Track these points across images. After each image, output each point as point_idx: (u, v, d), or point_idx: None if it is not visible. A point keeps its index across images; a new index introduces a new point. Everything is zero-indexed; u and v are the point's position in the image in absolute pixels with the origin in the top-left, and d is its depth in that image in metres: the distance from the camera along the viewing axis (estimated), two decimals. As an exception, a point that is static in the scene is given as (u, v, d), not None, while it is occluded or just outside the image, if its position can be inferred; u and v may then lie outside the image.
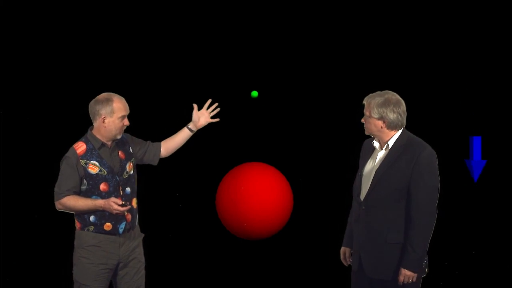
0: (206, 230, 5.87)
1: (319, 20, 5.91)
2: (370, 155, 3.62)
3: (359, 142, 3.79)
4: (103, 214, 3.69)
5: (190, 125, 4.03)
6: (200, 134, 4.17)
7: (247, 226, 5.27)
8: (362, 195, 3.54)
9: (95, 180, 3.70)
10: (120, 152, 3.81)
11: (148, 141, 4.01)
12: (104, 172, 3.71)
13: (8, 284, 5.36)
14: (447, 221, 4.86)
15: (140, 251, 3.92)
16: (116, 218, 3.73)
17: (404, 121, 3.50)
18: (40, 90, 5.68)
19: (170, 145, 4.04)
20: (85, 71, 5.71)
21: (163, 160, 4.10)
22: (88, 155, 3.71)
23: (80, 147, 3.72)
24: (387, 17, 5.81)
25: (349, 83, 5.78)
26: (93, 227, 3.73)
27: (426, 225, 3.39)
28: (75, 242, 3.80)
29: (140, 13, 5.79)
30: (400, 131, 3.51)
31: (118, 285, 3.89)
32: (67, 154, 3.71)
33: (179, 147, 4.07)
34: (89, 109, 3.73)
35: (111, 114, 3.68)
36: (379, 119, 3.45)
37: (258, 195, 5.26)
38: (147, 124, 5.28)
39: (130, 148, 3.89)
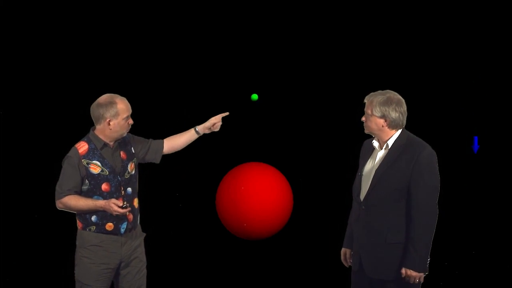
0: (206, 230, 5.87)
1: (319, 20, 5.90)
2: (370, 155, 3.62)
3: (359, 142, 3.79)
4: (104, 214, 3.70)
5: (199, 128, 4.03)
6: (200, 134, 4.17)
7: (247, 226, 5.27)
8: (362, 195, 3.54)
9: (96, 180, 3.70)
10: (122, 152, 3.81)
11: (150, 139, 4.01)
12: (106, 172, 3.71)
13: (8, 284, 5.36)
14: (447, 221, 4.85)
15: (141, 250, 3.93)
16: (118, 218, 3.73)
17: (405, 121, 3.51)
18: (40, 90, 5.68)
19: (174, 143, 4.04)
20: (85, 71, 5.71)
21: (163, 160, 4.11)
22: (90, 155, 3.71)
23: (82, 147, 3.72)
24: (387, 17, 5.81)
25: (349, 83, 5.78)
26: (94, 227, 3.74)
27: (427, 225, 3.39)
28: (77, 242, 3.81)
29: (141, 13, 5.79)
30: (400, 130, 3.51)
31: (120, 284, 3.90)
32: (69, 154, 3.72)
33: (182, 147, 4.08)
34: (92, 112, 3.73)
35: (116, 117, 3.68)
36: (381, 117, 3.46)
37: (258, 195, 5.26)
38: (147, 124, 5.28)
39: (132, 148, 3.89)
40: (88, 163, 3.70)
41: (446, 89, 5.82)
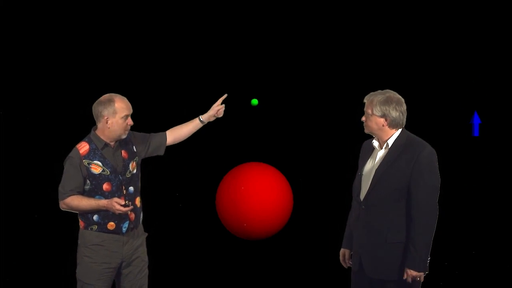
0: (206, 230, 5.87)
1: (318, 20, 5.90)
2: (370, 155, 3.62)
3: (359, 142, 3.79)
4: (106, 214, 3.71)
5: (203, 117, 4.07)
6: (200, 134, 4.18)
7: (247, 226, 5.28)
8: (362, 195, 3.54)
9: (98, 180, 3.71)
10: (123, 152, 3.82)
11: (151, 134, 4.01)
12: (107, 172, 3.72)
13: (8, 284, 5.36)
14: (447, 221, 4.85)
15: (143, 250, 3.94)
16: (120, 217, 3.74)
17: (404, 121, 3.52)
18: (40, 90, 5.68)
19: (179, 133, 4.08)
20: (86, 71, 5.71)
21: (163, 160, 4.11)
22: (91, 155, 3.72)
23: (83, 147, 3.73)
24: (387, 17, 5.81)
25: (349, 83, 5.78)
26: (96, 226, 3.75)
27: (427, 224, 3.39)
28: (79, 241, 3.82)
29: (142, 13, 5.79)
30: (400, 130, 3.52)
31: (121, 284, 3.90)
32: (70, 154, 3.73)
33: (187, 137, 4.12)
34: (92, 111, 3.75)
35: (113, 115, 3.69)
36: (381, 116, 3.46)
37: (258, 195, 5.26)
38: (148, 124, 5.28)
39: (134, 147, 3.90)
40: (89, 163, 3.71)
41: (446, 89, 5.82)
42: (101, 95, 3.76)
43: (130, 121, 3.75)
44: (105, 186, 3.72)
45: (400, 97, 3.51)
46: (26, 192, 5.63)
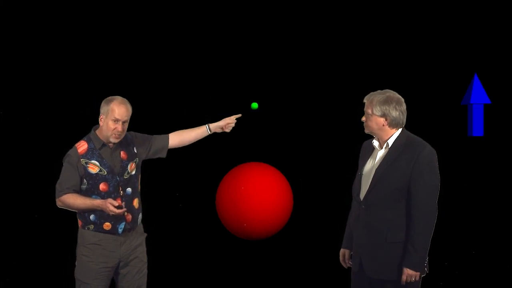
0: (206, 230, 5.86)
1: (318, 20, 5.90)
2: (370, 155, 3.62)
3: (359, 142, 3.79)
4: (102, 214, 3.71)
5: (211, 126, 4.06)
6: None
7: (247, 226, 5.27)
8: (362, 195, 3.54)
9: (94, 179, 3.72)
10: (122, 152, 3.81)
11: (153, 136, 4.01)
12: (104, 172, 3.72)
13: (8, 284, 5.36)
14: (447, 221, 4.85)
15: (142, 250, 3.93)
16: (116, 218, 3.74)
17: (404, 120, 3.52)
18: (40, 90, 5.68)
19: (183, 138, 4.06)
20: (86, 71, 5.71)
21: (163, 160, 4.11)
22: (89, 154, 3.73)
23: (82, 146, 3.74)
24: (386, 17, 5.81)
25: (349, 83, 5.78)
26: (93, 226, 3.75)
27: (426, 224, 3.39)
28: (78, 240, 3.82)
29: (142, 13, 5.79)
30: (400, 130, 3.52)
31: (120, 283, 3.90)
32: (69, 152, 3.75)
33: (192, 142, 4.11)
34: None
35: (106, 114, 3.71)
36: (381, 116, 3.46)
37: (258, 195, 5.26)
38: (148, 124, 5.28)
39: (134, 148, 3.89)
40: (86, 163, 3.71)
41: (446, 89, 5.82)
42: (100, 95, 3.79)
43: (119, 128, 3.71)
44: (102, 186, 3.72)
45: (400, 96, 3.51)
46: (26, 192, 5.62)
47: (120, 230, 3.77)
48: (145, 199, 4.04)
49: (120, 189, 3.76)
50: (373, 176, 3.49)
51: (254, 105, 4.17)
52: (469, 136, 5.77)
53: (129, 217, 3.80)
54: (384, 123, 3.48)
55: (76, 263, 3.82)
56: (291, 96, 5.97)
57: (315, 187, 5.95)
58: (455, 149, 5.76)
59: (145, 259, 3.96)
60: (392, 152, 3.47)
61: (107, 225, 3.75)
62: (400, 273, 3.44)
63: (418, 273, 3.42)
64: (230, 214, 5.34)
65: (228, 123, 4.07)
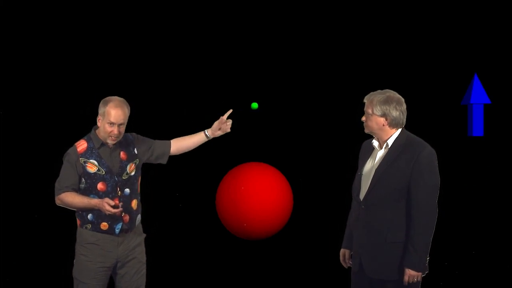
0: (206, 230, 5.86)
1: (318, 20, 5.90)
2: (370, 155, 3.62)
3: (359, 143, 3.79)
4: (100, 213, 3.71)
5: (208, 132, 4.02)
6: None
7: (247, 226, 5.27)
8: (362, 195, 3.54)
9: (92, 179, 3.72)
10: (122, 153, 3.81)
11: (155, 141, 4.00)
12: (102, 172, 3.73)
13: (8, 284, 5.36)
14: (447, 221, 4.85)
15: (140, 250, 3.92)
16: (113, 218, 3.73)
17: (404, 120, 3.52)
18: (40, 90, 5.68)
19: (183, 144, 4.04)
20: (86, 71, 5.71)
21: (163, 160, 4.09)
22: (88, 153, 3.73)
23: (81, 145, 3.75)
24: (386, 17, 5.81)
25: (349, 83, 5.78)
26: (90, 225, 3.76)
27: (426, 224, 3.39)
28: (76, 239, 3.83)
29: (143, 14, 5.79)
30: (400, 130, 3.52)
31: (118, 284, 3.90)
32: (68, 151, 3.77)
33: (190, 149, 4.08)
34: None
35: (103, 116, 3.71)
36: (381, 116, 3.46)
37: (258, 195, 5.26)
38: (148, 124, 5.28)
39: (135, 149, 3.89)
40: (85, 162, 3.72)
41: (446, 89, 5.82)
42: (100, 96, 3.78)
43: (115, 131, 3.71)
44: (100, 186, 3.73)
45: (400, 96, 3.51)
46: (26, 192, 5.63)
47: (117, 231, 3.77)
48: (145, 199, 4.04)
49: (118, 189, 3.76)
50: (373, 176, 3.49)
51: (254, 105, 4.17)
52: (469, 136, 5.77)
53: (127, 218, 3.80)
54: (384, 123, 3.48)
55: (74, 262, 3.83)
56: (291, 96, 5.97)
57: (315, 187, 5.95)
58: (455, 149, 5.76)
59: (144, 259, 3.95)
60: (392, 152, 3.48)
61: (104, 225, 3.75)
62: (401, 273, 3.44)
63: (419, 273, 3.42)
64: (230, 214, 5.34)
65: (219, 127, 4.00)
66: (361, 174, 3.60)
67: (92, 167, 3.73)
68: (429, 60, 5.81)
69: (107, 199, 3.62)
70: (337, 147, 5.80)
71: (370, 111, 3.49)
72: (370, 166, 3.57)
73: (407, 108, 3.52)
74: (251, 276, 5.56)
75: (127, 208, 3.77)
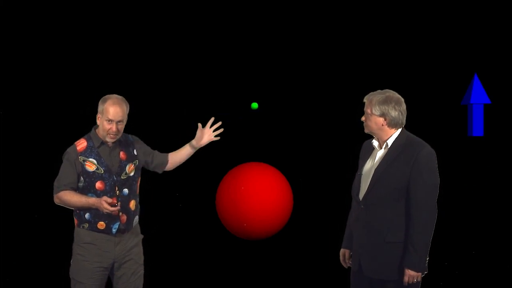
0: (206, 230, 5.87)
1: (318, 20, 5.90)
2: (369, 155, 3.62)
3: (359, 143, 3.79)
4: (97, 213, 3.71)
5: (193, 142, 4.04)
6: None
7: (247, 226, 5.27)
8: (361, 194, 3.54)
9: (91, 178, 3.72)
10: (121, 153, 3.81)
11: (155, 151, 4.02)
12: (101, 171, 3.73)
13: (8, 284, 5.36)
14: (447, 221, 4.85)
15: (138, 251, 3.91)
16: (110, 217, 3.73)
17: (404, 120, 3.52)
18: (40, 90, 5.68)
19: (174, 159, 4.07)
20: (85, 71, 5.71)
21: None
22: (87, 152, 3.74)
23: (81, 144, 3.76)
24: (386, 17, 5.81)
25: (349, 83, 5.78)
26: (87, 225, 3.76)
27: (426, 223, 3.39)
28: (74, 239, 3.83)
29: (142, 13, 5.79)
30: (399, 130, 3.52)
31: (115, 285, 3.89)
32: (68, 150, 3.77)
33: (182, 162, 4.11)
34: None
35: (102, 114, 3.73)
36: (380, 116, 3.46)
37: (258, 195, 5.26)
38: (149, 124, 5.28)
39: (135, 150, 3.89)
40: (84, 160, 3.73)
41: (445, 88, 5.82)
42: (100, 95, 3.79)
43: (113, 128, 3.72)
44: (98, 185, 3.73)
45: (400, 96, 3.51)
46: (26, 191, 5.63)
47: (114, 230, 3.77)
48: (145, 199, 4.04)
49: (117, 189, 3.75)
50: (373, 176, 3.49)
51: (254, 105, 4.17)
52: (469, 136, 5.77)
53: (124, 218, 3.79)
54: (383, 123, 3.48)
55: (71, 262, 3.83)
56: (291, 97, 5.97)
57: (315, 187, 5.95)
58: (455, 149, 5.76)
59: (141, 260, 3.94)
60: (392, 152, 3.48)
61: (101, 224, 3.74)
62: (400, 273, 3.44)
63: (419, 274, 3.42)
64: (230, 214, 5.34)
65: (203, 132, 4.00)
66: (360, 174, 3.60)
67: (91, 165, 3.73)
68: (429, 60, 5.81)
69: (105, 197, 3.62)
70: (337, 147, 5.80)
71: (369, 111, 3.49)
72: (370, 166, 3.57)
73: (407, 108, 3.52)
74: (251, 276, 5.56)
75: (125, 209, 3.77)
